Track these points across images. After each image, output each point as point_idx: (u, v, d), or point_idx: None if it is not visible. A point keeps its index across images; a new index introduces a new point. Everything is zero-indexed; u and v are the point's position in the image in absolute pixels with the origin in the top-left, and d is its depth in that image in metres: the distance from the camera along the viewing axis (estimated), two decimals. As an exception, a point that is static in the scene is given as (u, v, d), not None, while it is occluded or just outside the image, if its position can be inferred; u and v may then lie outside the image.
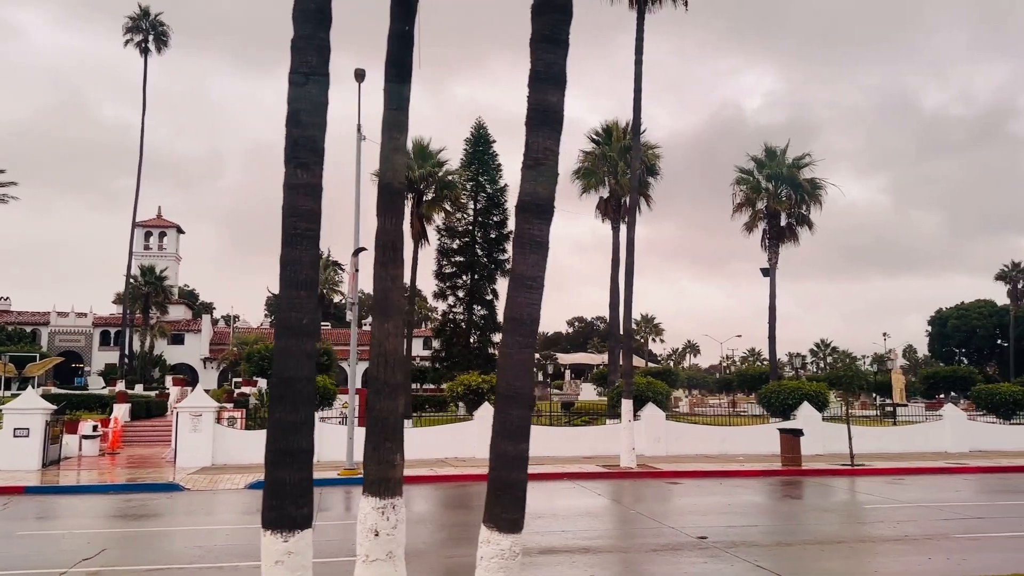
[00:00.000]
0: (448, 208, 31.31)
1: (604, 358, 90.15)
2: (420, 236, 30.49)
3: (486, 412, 24.90)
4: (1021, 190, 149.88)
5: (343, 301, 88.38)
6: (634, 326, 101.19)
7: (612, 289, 32.83)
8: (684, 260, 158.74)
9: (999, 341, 77.87)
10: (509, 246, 42.36)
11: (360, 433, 23.34)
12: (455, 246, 41.41)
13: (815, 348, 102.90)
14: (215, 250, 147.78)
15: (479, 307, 41.04)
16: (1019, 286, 66.69)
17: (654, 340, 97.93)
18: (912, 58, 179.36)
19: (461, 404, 28.56)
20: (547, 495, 16.55)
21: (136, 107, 50.03)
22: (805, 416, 26.08)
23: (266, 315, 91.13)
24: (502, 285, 43.75)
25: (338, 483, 18.07)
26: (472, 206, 41.88)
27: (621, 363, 25.13)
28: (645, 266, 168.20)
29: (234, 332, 66.73)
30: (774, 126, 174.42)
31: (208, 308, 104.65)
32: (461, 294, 41.34)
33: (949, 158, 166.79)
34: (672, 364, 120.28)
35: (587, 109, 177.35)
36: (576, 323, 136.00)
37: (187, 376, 54.13)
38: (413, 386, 51.35)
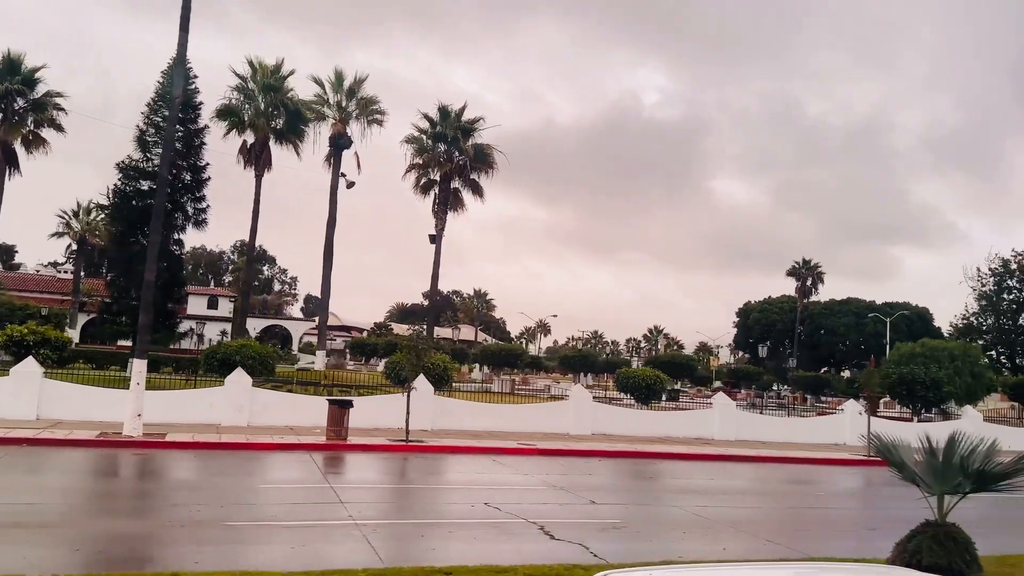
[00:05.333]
0: (41, 135, 27.14)
1: (448, 332, 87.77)
2: (7, 164, 26.42)
3: (29, 367, 21.49)
4: (887, 200, 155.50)
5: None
6: (465, 300, 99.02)
7: (250, 246, 29.63)
8: (579, 246, 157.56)
9: (800, 335, 79.45)
10: (207, 192, 38.66)
11: None
12: (140, 189, 37.21)
13: (648, 334, 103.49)
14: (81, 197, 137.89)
15: (162, 260, 37.00)
16: (807, 283, 67.36)
17: (485, 313, 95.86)
18: (798, 67, 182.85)
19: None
20: None
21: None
22: (422, 390, 24.13)
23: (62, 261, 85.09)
24: (195, 237, 40.12)
25: None
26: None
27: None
28: (543, 249, 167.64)
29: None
30: (669, 121, 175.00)
31: (8, 252, 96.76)
32: (145, 242, 37.20)
33: (826, 165, 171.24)
34: (523, 342, 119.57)
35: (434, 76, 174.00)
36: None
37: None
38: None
